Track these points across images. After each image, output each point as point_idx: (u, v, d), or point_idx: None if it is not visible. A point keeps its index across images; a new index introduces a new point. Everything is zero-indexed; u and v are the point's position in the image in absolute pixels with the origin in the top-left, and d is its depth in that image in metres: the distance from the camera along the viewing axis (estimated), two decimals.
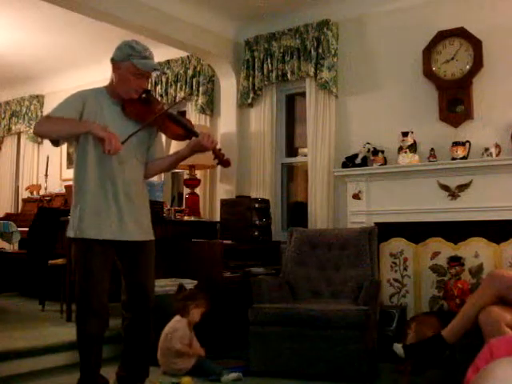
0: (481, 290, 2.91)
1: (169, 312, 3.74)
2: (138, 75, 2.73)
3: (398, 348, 2.99)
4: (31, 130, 7.17)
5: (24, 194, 7.14)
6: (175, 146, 4.95)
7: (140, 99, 2.80)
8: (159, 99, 5.28)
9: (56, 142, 2.80)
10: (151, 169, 2.91)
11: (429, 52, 4.43)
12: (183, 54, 5.68)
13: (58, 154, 6.94)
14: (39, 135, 2.79)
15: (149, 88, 2.94)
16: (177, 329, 3.65)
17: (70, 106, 2.71)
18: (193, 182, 5.30)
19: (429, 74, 4.44)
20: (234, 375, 3.48)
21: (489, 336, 2.50)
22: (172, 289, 3.93)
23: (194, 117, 5.51)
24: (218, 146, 2.85)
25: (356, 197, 4.58)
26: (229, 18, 5.20)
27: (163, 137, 3.03)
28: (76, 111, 2.69)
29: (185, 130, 2.82)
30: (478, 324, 2.78)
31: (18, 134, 7.55)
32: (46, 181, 6.80)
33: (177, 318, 3.72)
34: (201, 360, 3.60)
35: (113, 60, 2.76)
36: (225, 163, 2.82)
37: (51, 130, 2.71)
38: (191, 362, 3.58)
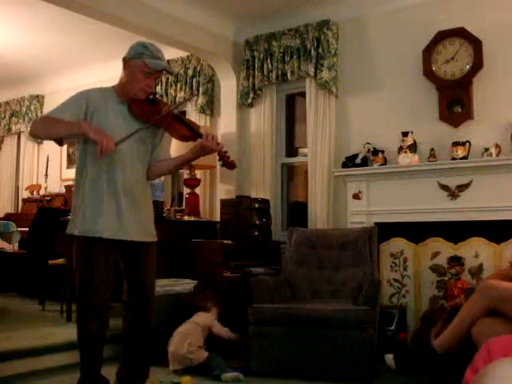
0: (473, 300, 2.83)
1: (169, 311, 3.74)
2: (148, 74, 2.75)
3: (390, 359, 2.97)
4: None
5: (24, 194, 7.14)
6: (177, 147, 4.95)
7: (147, 100, 2.81)
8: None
9: (59, 142, 2.81)
10: (154, 170, 2.91)
11: (429, 52, 4.43)
12: (183, 54, 5.69)
13: (58, 154, 6.94)
14: (33, 136, 2.82)
15: (154, 91, 2.95)
16: (214, 320, 3.89)
17: (69, 108, 2.72)
18: (193, 182, 5.30)
19: (429, 73, 4.44)
20: (234, 374, 3.49)
21: None
22: (172, 289, 3.95)
23: (194, 117, 5.50)
24: (224, 149, 2.83)
25: (356, 197, 4.58)
26: (229, 17, 5.20)
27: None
28: (75, 114, 2.70)
29: (191, 131, 2.82)
30: (470, 336, 2.74)
31: (18, 134, 7.55)
32: (45, 181, 6.80)
33: (203, 313, 3.87)
34: (211, 356, 3.64)
35: (124, 58, 2.79)
36: (230, 165, 2.81)
37: (44, 131, 2.75)
38: (205, 354, 3.63)
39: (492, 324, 2.67)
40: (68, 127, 2.66)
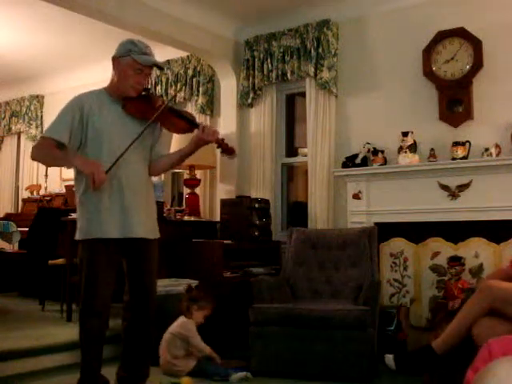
0: (474, 300, 2.81)
1: (169, 312, 3.74)
2: (138, 71, 2.75)
3: (390, 359, 2.97)
4: (31, 130, 7.19)
5: (24, 194, 7.14)
6: (177, 140, 4.95)
7: (140, 97, 2.81)
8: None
9: None
10: (156, 167, 2.91)
11: (429, 52, 4.43)
12: (183, 54, 5.68)
13: None
14: (33, 159, 2.92)
15: (148, 87, 2.95)
16: (190, 330, 3.65)
17: (63, 123, 2.74)
18: (193, 182, 5.30)
19: (429, 74, 4.44)
20: (241, 374, 3.49)
21: None
22: (173, 289, 3.94)
23: None
24: (221, 136, 2.82)
25: (356, 197, 4.58)
26: (229, 17, 5.20)
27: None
28: (70, 128, 2.72)
29: (187, 123, 2.82)
30: (470, 336, 2.73)
31: (18, 134, 7.55)
32: (45, 181, 6.80)
33: (182, 319, 3.72)
34: (203, 362, 3.60)
35: (114, 57, 2.79)
36: (229, 151, 2.79)
37: (43, 161, 2.99)
38: (191, 363, 3.59)
39: (492, 324, 2.66)
40: (62, 160, 2.83)
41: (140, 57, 2.73)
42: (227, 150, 2.79)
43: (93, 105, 2.76)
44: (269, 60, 5.17)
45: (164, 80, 5.86)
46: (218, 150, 2.87)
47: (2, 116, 7.61)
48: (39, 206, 5.95)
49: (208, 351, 3.63)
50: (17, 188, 7.49)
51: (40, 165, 7.08)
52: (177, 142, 4.88)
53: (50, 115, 6.62)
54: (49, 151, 2.73)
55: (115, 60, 2.78)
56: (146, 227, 2.80)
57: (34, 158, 2.83)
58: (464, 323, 2.77)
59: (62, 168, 6.94)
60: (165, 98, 5.76)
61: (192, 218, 5.01)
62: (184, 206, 5.29)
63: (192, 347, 3.62)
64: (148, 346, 2.91)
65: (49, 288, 5.05)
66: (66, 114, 2.76)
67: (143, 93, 2.83)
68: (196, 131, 2.79)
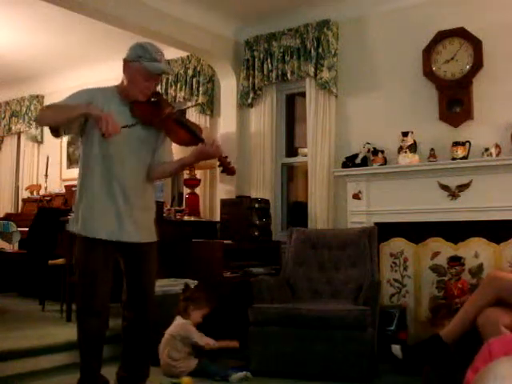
0: (480, 290, 2.86)
1: (169, 312, 3.74)
2: (147, 77, 2.72)
3: (396, 349, 2.98)
4: (31, 130, 7.18)
5: (24, 194, 7.14)
6: (177, 148, 4.95)
7: (149, 102, 2.79)
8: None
9: (56, 132, 2.78)
10: (155, 172, 2.89)
11: (429, 52, 4.43)
12: (183, 54, 5.69)
13: (58, 154, 6.94)
14: (39, 123, 2.82)
15: (159, 92, 2.93)
16: (189, 330, 3.64)
17: (74, 99, 2.71)
18: (193, 182, 5.30)
19: (429, 74, 4.44)
20: (241, 374, 3.49)
21: (487, 338, 2.48)
22: (172, 289, 3.94)
23: (193, 117, 5.50)
24: (224, 154, 2.81)
25: (356, 197, 4.58)
26: (229, 17, 5.20)
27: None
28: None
29: (191, 136, 2.79)
30: (475, 326, 2.74)
31: (18, 134, 7.55)
32: (45, 181, 6.80)
33: (179, 320, 3.71)
34: (204, 362, 3.60)
35: (124, 60, 2.77)
36: (230, 171, 2.79)
37: (49, 115, 2.73)
38: (192, 363, 3.59)
39: (498, 315, 2.67)
40: (72, 109, 2.65)
41: (150, 64, 2.69)
42: (228, 170, 2.79)
43: (102, 102, 2.74)
44: (269, 60, 5.17)
45: (164, 80, 5.86)
46: (219, 169, 2.84)
47: (2, 116, 7.61)
48: (39, 206, 5.95)
49: (212, 343, 3.62)
50: (17, 188, 7.48)
51: (40, 165, 7.12)
52: (177, 149, 4.87)
53: None
54: (58, 106, 2.69)
55: (125, 63, 2.76)
56: (140, 232, 2.78)
57: (40, 116, 2.78)
58: (471, 312, 2.79)
59: (62, 168, 6.97)
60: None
61: (192, 218, 5.01)
62: (184, 206, 5.29)
63: (195, 346, 3.62)
64: (148, 346, 2.91)
65: (49, 288, 5.05)
66: (76, 97, 2.74)
67: (153, 98, 2.80)
68: (199, 145, 2.78)
